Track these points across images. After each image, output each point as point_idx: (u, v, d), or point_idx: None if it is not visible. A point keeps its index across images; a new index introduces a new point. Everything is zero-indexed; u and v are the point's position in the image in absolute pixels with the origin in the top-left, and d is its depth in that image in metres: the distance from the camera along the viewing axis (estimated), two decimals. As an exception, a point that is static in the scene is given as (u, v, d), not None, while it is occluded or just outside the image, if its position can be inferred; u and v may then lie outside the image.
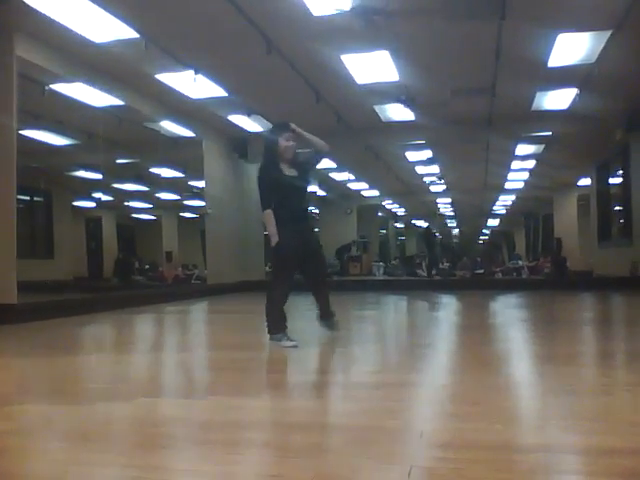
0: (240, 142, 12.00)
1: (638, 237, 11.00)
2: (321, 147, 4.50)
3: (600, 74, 8.08)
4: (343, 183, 18.69)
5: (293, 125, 4.37)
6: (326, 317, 4.63)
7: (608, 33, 6.99)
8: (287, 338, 4.24)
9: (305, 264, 4.43)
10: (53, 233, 13.12)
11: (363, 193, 20.92)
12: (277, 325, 4.29)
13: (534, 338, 5.02)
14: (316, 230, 4.48)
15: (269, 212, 4.25)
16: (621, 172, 12.27)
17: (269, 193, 4.30)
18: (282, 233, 4.24)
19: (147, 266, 14.93)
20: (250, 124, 10.99)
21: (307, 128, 4.37)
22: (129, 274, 14.00)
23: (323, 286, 4.65)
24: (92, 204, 15.00)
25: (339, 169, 16.34)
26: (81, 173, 12.95)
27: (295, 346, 4.15)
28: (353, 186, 19.58)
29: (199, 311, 8.79)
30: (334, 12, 6.13)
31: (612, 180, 13.40)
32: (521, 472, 1.71)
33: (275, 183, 4.30)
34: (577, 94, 9.27)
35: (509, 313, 7.61)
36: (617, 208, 13.26)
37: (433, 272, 15.50)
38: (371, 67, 7.98)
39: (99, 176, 12.76)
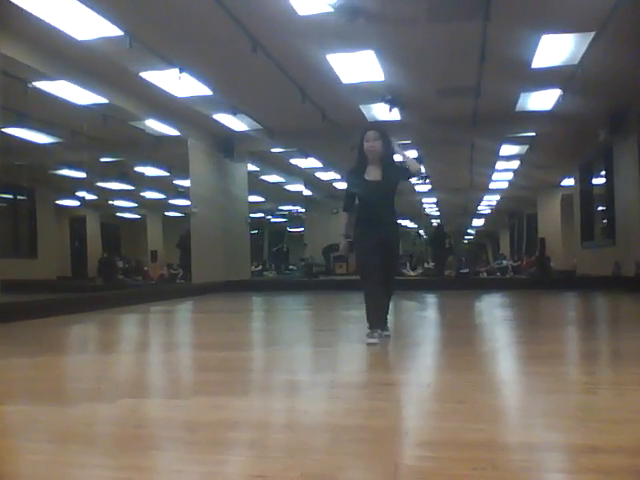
0: (225, 141, 11.96)
1: (621, 237, 11.10)
2: (413, 170, 4.41)
3: (583, 75, 8.15)
4: (329, 183, 18.69)
5: (392, 139, 4.40)
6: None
7: (591, 34, 7.05)
8: (370, 334, 4.19)
9: (382, 264, 4.33)
10: (36, 232, 12.96)
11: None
12: (368, 319, 4.27)
13: (518, 337, 5.06)
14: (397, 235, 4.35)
15: (344, 214, 4.57)
16: (604, 173, 12.38)
17: (347, 197, 4.51)
18: (355, 233, 4.41)
19: (133, 263, 14.82)
20: (235, 123, 10.96)
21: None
22: (113, 273, 13.89)
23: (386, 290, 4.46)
24: (76, 203, 14.86)
25: (325, 169, 16.35)
26: (65, 171, 12.83)
27: (373, 344, 4.11)
28: (339, 186, 19.57)
29: (184, 311, 8.75)
30: (327, 8, 6.08)
31: (595, 180, 13.53)
32: (506, 470, 1.72)
33: (353, 189, 4.47)
34: (561, 95, 9.34)
35: (493, 313, 7.66)
36: (600, 208, 13.39)
37: (420, 271, 15.52)
38: (356, 67, 7.99)
39: (83, 174, 12.65)
